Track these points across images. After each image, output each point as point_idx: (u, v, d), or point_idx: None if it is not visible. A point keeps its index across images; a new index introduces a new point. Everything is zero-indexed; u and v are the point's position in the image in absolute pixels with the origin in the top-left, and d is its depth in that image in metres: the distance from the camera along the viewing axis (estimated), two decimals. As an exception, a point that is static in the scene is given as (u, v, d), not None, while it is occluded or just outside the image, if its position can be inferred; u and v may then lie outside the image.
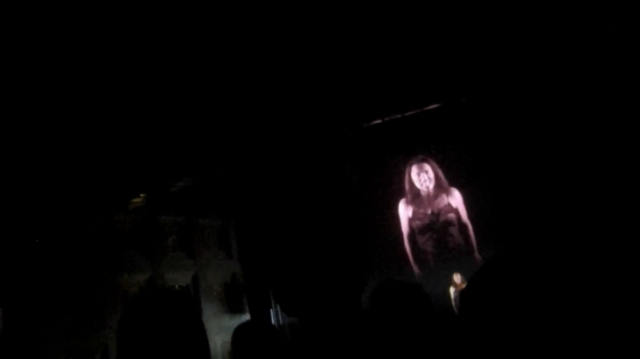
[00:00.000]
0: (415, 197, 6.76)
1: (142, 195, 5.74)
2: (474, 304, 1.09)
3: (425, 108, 6.06)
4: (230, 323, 5.81)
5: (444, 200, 6.68)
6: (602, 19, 4.19)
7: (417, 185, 6.76)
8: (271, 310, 6.15)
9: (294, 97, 4.87)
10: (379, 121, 6.13)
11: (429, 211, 6.70)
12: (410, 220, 6.75)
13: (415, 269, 6.37)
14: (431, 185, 6.71)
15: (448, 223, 6.57)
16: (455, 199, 6.61)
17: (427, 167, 6.76)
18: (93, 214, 5.43)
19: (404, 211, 6.78)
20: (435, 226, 6.66)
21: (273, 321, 6.02)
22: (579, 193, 5.19)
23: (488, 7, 4.14)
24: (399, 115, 6.09)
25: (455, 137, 6.33)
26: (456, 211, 6.59)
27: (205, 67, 4.17)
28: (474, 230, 6.36)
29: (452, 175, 6.64)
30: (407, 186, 6.81)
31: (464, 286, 5.63)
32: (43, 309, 4.79)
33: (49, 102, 4.04)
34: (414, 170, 6.80)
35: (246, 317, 6.29)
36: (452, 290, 5.89)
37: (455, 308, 5.74)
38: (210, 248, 6.53)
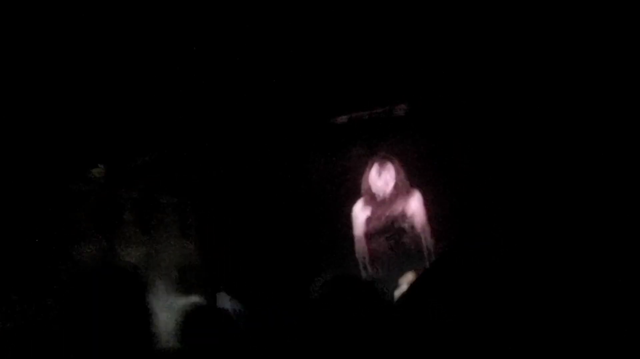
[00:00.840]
0: (372, 198, 6.46)
1: (101, 165, 5.68)
2: (413, 302, 1.13)
3: (394, 108, 6.14)
4: (179, 302, 5.81)
5: (402, 204, 6.42)
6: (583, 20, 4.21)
7: (377, 184, 6.45)
8: (219, 294, 6.17)
9: (265, 85, 4.89)
10: (344, 118, 6.19)
11: (386, 214, 6.43)
12: (365, 222, 6.48)
13: (370, 269, 6.26)
14: (390, 186, 6.41)
15: (403, 229, 6.37)
16: (414, 204, 6.40)
17: (389, 165, 6.43)
18: (50, 178, 5.35)
19: (359, 212, 6.50)
20: (390, 229, 6.42)
21: (222, 306, 6.03)
22: (548, 201, 5.27)
23: (462, 9, 4.20)
24: (366, 113, 6.17)
25: (423, 138, 6.33)
26: (413, 216, 6.39)
27: (180, 51, 4.16)
28: (431, 237, 6.22)
29: (414, 178, 6.43)
30: (365, 186, 6.51)
31: None
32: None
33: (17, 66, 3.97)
34: (375, 168, 6.48)
35: (195, 298, 6.30)
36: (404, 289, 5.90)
37: None
38: (166, 227, 6.49)
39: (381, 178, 6.32)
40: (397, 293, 5.94)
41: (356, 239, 6.38)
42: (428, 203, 6.29)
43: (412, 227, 6.25)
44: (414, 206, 6.31)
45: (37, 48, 3.83)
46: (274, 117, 5.66)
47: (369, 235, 6.38)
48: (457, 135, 5.99)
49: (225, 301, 6.02)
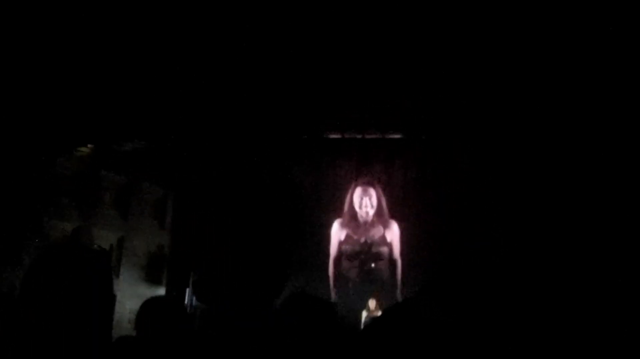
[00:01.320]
0: (352, 220, 6.44)
1: (89, 145, 5.68)
2: (380, 335, 1.16)
3: (386, 136, 6.19)
4: (146, 291, 5.81)
5: (380, 230, 6.41)
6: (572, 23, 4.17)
7: (357, 208, 6.44)
8: (188, 289, 6.16)
9: (264, 88, 4.91)
10: (338, 135, 6.21)
11: (362, 239, 6.41)
12: (341, 243, 6.45)
13: (333, 294, 6.18)
14: (371, 212, 6.40)
15: (379, 255, 6.35)
16: (392, 232, 6.41)
17: (371, 191, 6.44)
18: (37, 151, 5.34)
19: (337, 233, 6.48)
20: (364, 255, 6.39)
21: (187, 301, 6.02)
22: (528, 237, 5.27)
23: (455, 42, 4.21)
24: (359, 136, 6.21)
25: (408, 168, 6.36)
26: (390, 245, 6.38)
27: (181, 49, 4.20)
28: (403, 267, 6.24)
29: (394, 207, 6.45)
30: (346, 207, 6.47)
31: (377, 312, 5.71)
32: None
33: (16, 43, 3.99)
34: (358, 192, 6.46)
35: (162, 290, 6.29)
36: (364, 314, 5.88)
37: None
38: (144, 214, 6.50)
39: (364, 202, 6.35)
40: (363, 316, 5.98)
41: (330, 259, 6.41)
42: (405, 233, 6.32)
43: (390, 253, 6.30)
44: (394, 234, 6.37)
45: (37, 31, 3.85)
46: (265, 121, 5.67)
47: (339, 259, 6.38)
48: (444, 170, 6.03)
49: (193, 299, 6.01)
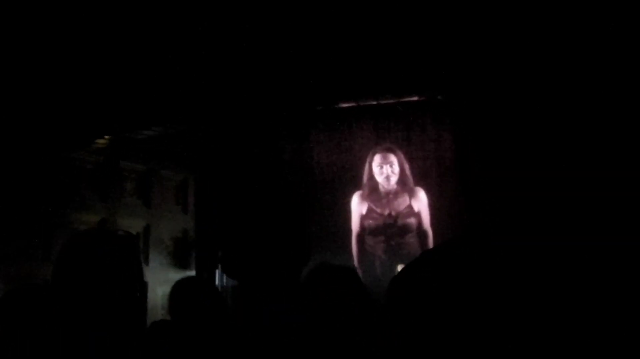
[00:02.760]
0: (373, 192, 5.81)
1: (107, 136, 5.70)
2: (403, 292, 1.12)
3: (403, 99, 5.93)
4: (175, 276, 5.84)
5: (406, 200, 5.75)
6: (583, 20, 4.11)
7: (378, 178, 5.80)
8: (217, 271, 6.20)
9: (273, 64, 4.87)
10: (353, 104, 6.08)
11: (386, 212, 5.77)
12: (363, 218, 5.82)
13: (359, 272, 5.62)
14: (393, 181, 5.76)
15: (406, 228, 5.71)
16: (419, 201, 5.73)
17: (392, 158, 5.81)
18: (55, 147, 5.38)
19: (357, 207, 5.85)
20: (390, 230, 5.74)
21: (217, 282, 6.07)
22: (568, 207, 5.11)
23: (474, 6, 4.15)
24: (374, 102, 6.06)
25: (433, 130, 5.86)
26: (418, 215, 5.71)
27: (188, 29, 4.16)
28: (435, 239, 5.62)
29: (420, 173, 5.81)
30: (365, 178, 5.86)
31: None
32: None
33: (28, 39, 3.98)
34: (377, 159, 5.83)
35: (191, 273, 6.34)
36: None
37: None
38: (166, 200, 6.53)
39: (384, 170, 5.77)
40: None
41: (352, 236, 5.85)
42: (433, 202, 5.70)
43: (419, 224, 5.68)
44: (421, 202, 5.72)
45: (48, 22, 3.84)
46: (278, 97, 5.60)
47: (362, 234, 5.80)
48: (471, 129, 5.57)
49: (224, 279, 6.06)
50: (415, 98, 5.85)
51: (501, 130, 5.29)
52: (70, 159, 5.67)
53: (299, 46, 4.57)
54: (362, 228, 5.80)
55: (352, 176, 5.95)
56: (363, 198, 5.85)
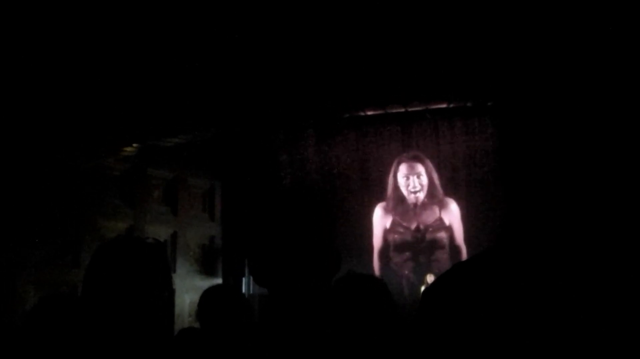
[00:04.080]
0: (398, 204, 5.40)
1: (134, 144, 5.74)
2: (435, 302, 1.09)
3: (431, 106, 5.76)
4: (202, 283, 5.85)
5: (435, 213, 5.34)
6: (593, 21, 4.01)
7: (403, 189, 5.40)
8: (244, 278, 6.20)
9: (300, 71, 4.86)
10: (380, 111, 5.99)
11: (413, 226, 5.32)
12: (387, 232, 5.38)
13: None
14: (422, 193, 5.34)
15: (436, 243, 5.30)
16: (451, 213, 5.33)
17: (419, 168, 5.42)
18: (83, 154, 5.44)
19: (380, 220, 5.43)
20: (418, 245, 5.28)
21: (244, 290, 6.07)
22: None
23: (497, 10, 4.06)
24: (402, 109, 5.96)
25: (461, 137, 5.59)
26: (449, 229, 5.30)
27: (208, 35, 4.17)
28: (468, 256, 5.12)
29: (450, 183, 5.44)
30: (389, 189, 5.47)
31: None
32: (17, 238, 4.81)
33: (52, 48, 4.03)
34: (403, 169, 5.44)
35: (218, 281, 6.34)
36: (422, 290, 5.46)
37: None
38: (194, 208, 6.55)
39: (410, 181, 5.39)
40: (420, 294, 5.44)
41: (374, 253, 5.47)
42: (466, 214, 5.29)
43: (451, 239, 5.27)
44: (453, 215, 5.32)
45: (76, 30, 3.89)
46: (304, 104, 5.56)
47: (386, 251, 5.38)
48: (506, 136, 5.33)
49: (250, 287, 6.06)
50: (444, 105, 5.64)
51: (538, 137, 5.10)
52: (99, 167, 5.72)
53: (325, 53, 4.55)
54: (386, 243, 5.38)
55: (376, 186, 5.61)
56: (387, 210, 5.45)
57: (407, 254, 5.32)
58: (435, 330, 1.10)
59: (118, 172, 5.90)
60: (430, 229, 5.30)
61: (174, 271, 6.03)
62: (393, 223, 5.41)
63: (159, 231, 5.98)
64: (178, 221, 6.35)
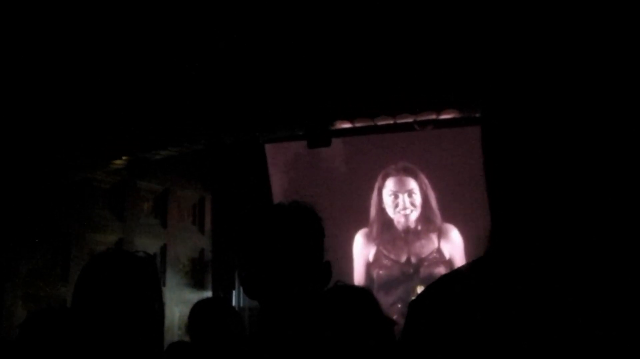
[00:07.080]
0: (384, 230, 4.24)
1: (124, 157, 5.73)
2: (422, 313, 1.09)
3: (419, 117, 5.66)
4: (192, 296, 5.83)
5: (433, 243, 4.17)
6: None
7: (390, 211, 4.24)
8: (234, 291, 6.17)
9: (289, 83, 4.87)
10: (369, 122, 5.97)
11: (403, 258, 4.16)
12: (370, 266, 4.25)
13: None
14: (414, 215, 4.19)
15: (433, 280, 4.34)
16: (452, 243, 4.17)
17: (411, 183, 4.30)
18: (73, 168, 5.42)
19: (362, 250, 4.28)
20: (410, 283, 4.12)
21: (234, 303, 6.04)
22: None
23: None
24: (391, 121, 5.95)
25: (460, 151, 4.83)
26: (449, 264, 4.12)
27: (201, 44, 4.19)
28: None
29: (450, 205, 4.25)
30: (373, 211, 4.34)
31: None
32: (5, 251, 4.78)
33: (46, 57, 4.04)
34: (390, 185, 4.32)
35: (208, 293, 6.32)
36: None
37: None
38: (183, 220, 6.54)
39: (400, 200, 4.28)
40: None
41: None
42: (469, 249, 4.13)
43: None
44: (454, 245, 4.18)
45: (60, 41, 3.89)
46: (292, 117, 5.53)
47: (371, 288, 3.90)
48: (507, 150, 5.14)
49: (240, 299, 6.04)
50: (434, 116, 5.28)
51: (531, 147, 5.01)
52: (88, 180, 5.71)
53: (314, 64, 4.57)
54: (369, 280, 4.29)
55: (359, 207, 4.52)
56: (370, 238, 4.37)
57: (396, 294, 4.16)
58: (424, 342, 1.09)
59: (107, 184, 5.89)
60: (426, 263, 4.19)
61: (164, 284, 6.00)
62: (377, 255, 4.28)
63: (149, 244, 5.96)
64: (168, 234, 6.33)
